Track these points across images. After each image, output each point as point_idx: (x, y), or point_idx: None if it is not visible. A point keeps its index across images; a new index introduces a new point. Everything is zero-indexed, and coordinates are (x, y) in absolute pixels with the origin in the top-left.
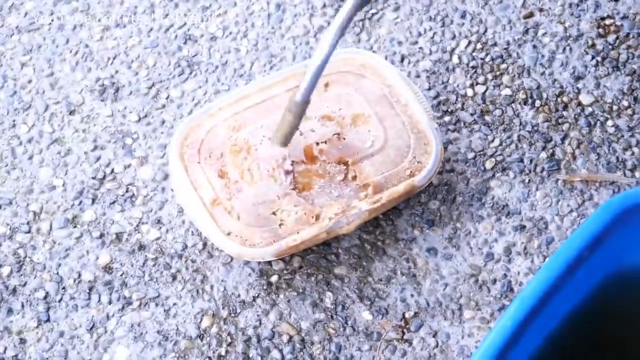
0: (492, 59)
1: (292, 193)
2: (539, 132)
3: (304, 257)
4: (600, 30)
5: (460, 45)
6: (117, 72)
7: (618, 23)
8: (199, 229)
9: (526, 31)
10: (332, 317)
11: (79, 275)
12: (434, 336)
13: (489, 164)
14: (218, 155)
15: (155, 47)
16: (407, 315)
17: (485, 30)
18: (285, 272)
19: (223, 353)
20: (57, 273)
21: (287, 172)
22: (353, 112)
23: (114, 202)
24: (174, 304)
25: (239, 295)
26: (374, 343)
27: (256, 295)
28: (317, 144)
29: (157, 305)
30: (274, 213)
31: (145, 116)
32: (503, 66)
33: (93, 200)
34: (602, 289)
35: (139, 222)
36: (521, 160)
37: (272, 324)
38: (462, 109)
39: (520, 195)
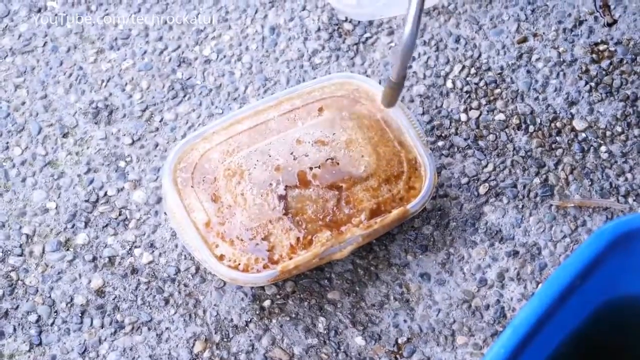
0: (486, 84)
1: (285, 218)
2: (532, 157)
3: (297, 281)
4: (594, 55)
5: (454, 70)
6: (110, 94)
7: (612, 49)
8: (191, 253)
9: (520, 56)
10: (324, 342)
11: (72, 299)
12: None
13: (482, 189)
14: (211, 179)
15: (149, 70)
16: (400, 341)
17: (479, 55)
18: (278, 296)
19: None
20: (50, 296)
21: (281, 197)
22: (347, 137)
23: (106, 226)
24: (167, 329)
25: (231, 320)
26: None
27: (249, 320)
28: (311, 168)
29: (149, 329)
30: (267, 238)
31: (139, 139)
32: (497, 91)
33: (86, 224)
34: (596, 317)
35: (132, 246)
36: (515, 186)
37: (264, 349)
38: (456, 133)
39: (514, 221)
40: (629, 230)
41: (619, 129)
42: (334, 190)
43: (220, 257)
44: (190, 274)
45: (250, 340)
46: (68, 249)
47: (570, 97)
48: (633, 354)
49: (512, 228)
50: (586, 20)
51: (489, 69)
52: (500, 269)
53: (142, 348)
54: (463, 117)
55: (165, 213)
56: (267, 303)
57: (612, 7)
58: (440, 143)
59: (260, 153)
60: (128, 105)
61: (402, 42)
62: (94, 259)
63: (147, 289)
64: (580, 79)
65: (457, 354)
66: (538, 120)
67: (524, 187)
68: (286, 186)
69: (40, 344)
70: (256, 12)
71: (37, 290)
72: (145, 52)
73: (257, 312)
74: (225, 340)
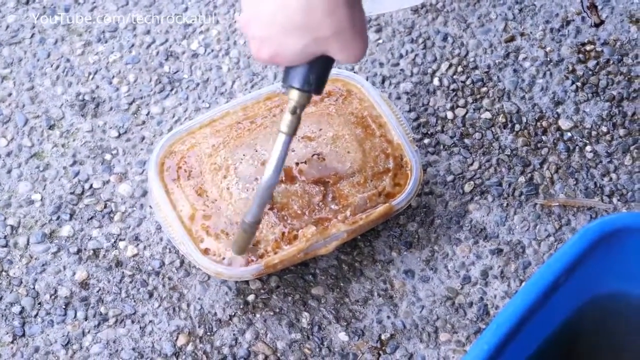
0: (473, 82)
1: (270, 213)
2: (518, 156)
3: (281, 276)
4: (581, 55)
5: (441, 68)
6: (97, 87)
7: (599, 49)
8: (176, 246)
9: (507, 55)
10: (308, 337)
11: (56, 291)
12: (409, 358)
13: (467, 187)
14: (197, 173)
15: (136, 63)
16: (383, 337)
17: (467, 54)
18: (262, 291)
19: None
20: (34, 288)
21: None
22: (333, 133)
23: (92, 218)
24: (150, 322)
25: (215, 314)
26: None
27: (233, 314)
28: (297, 164)
29: (133, 322)
30: None
31: (125, 132)
32: (483, 89)
33: (71, 216)
34: (579, 315)
35: (117, 239)
36: (500, 184)
37: (248, 343)
38: (442, 131)
39: (498, 219)
40: (612, 230)
41: (604, 129)
42: (320, 185)
43: (205, 251)
44: (175, 268)
45: (234, 335)
46: (53, 241)
47: (557, 97)
48: (616, 351)
49: (496, 226)
50: (573, 20)
51: (476, 67)
52: (484, 266)
53: (125, 341)
54: (449, 115)
55: (150, 206)
56: (251, 297)
57: (599, 7)
58: (426, 140)
59: (247, 148)
60: (115, 98)
61: (261, 183)
62: (79, 251)
63: (131, 282)
64: (567, 78)
65: (440, 351)
66: (524, 119)
67: (509, 185)
68: None
69: (23, 335)
70: None
71: (21, 282)
72: (132, 45)
73: (241, 307)
74: (208, 334)
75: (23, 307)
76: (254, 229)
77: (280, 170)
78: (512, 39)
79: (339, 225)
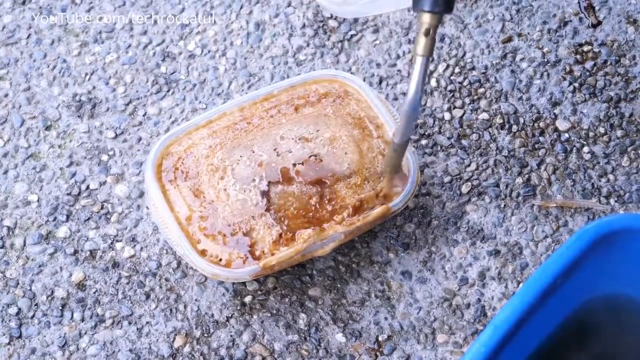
0: (470, 83)
1: (267, 214)
2: (515, 157)
3: (278, 278)
4: (578, 56)
5: (438, 69)
6: (94, 88)
7: (596, 50)
8: (173, 247)
9: (504, 56)
10: (305, 338)
11: (52, 292)
12: None
13: (465, 188)
14: (194, 174)
15: (133, 64)
16: (380, 339)
17: (464, 54)
18: (259, 292)
19: None
20: (30, 289)
21: (263, 193)
22: (330, 134)
23: (88, 219)
24: (147, 323)
25: (212, 315)
26: None
27: (230, 315)
28: (294, 165)
29: (130, 323)
30: (249, 234)
31: (122, 133)
32: (481, 90)
33: (67, 217)
34: (576, 316)
35: (114, 240)
36: (497, 185)
37: (245, 344)
38: (439, 132)
39: (496, 220)
40: (610, 231)
41: (602, 130)
42: (317, 187)
43: (202, 252)
44: (172, 269)
45: (231, 336)
46: (49, 242)
47: (554, 98)
48: (612, 352)
49: (493, 227)
50: (571, 21)
51: (473, 68)
52: (482, 268)
53: (122, 342)
54: (447, 115)
55: (147, 207)
56: (248, 299)
57: (596, 8)
58: (423, 141)
59: (244, 149)
60: (111, 99)
61: (406, 104)
62: (75, 252)
63: (128, 283)
64: (564, 79)
65: (438, 352)
66: (521, 120)
67: (507, 186)
68: (269, 182)
69: (20, 336)
70: (241, 7)
71: (18, 283)
72: (129, 46)
73: (238, 308)
74: (205, 335)
75: (20, 309)
76: (404, 148)
77: (422, 89)
78: (509, 39)
79: (336, 226)
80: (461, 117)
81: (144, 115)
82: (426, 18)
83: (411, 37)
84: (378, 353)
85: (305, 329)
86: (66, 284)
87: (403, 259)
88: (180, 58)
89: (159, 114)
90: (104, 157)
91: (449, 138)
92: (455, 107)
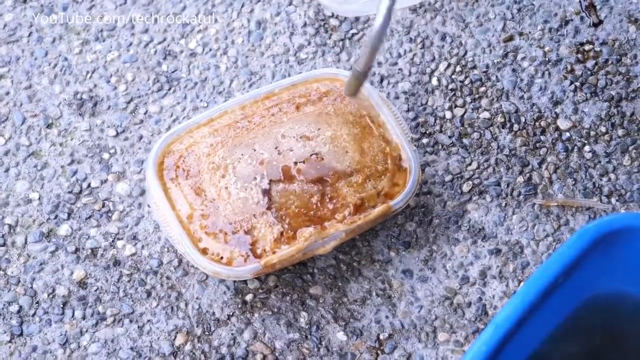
0: (471, 82)
1: (268, 212)
2: (516, 156)
3: (280, 276)
4: (580, 55)
5: (439, 68)
6: (95, 86)
7: (597, 49)
8: (174, 246)
9: (505, 55)
10: (306, 337)
11: (53, 290)
12: (408, 358)
13: (466, 187)
14: (195, 172)
15: (134, 62)
16: (381, 337)
17: (465, 53)
18: (260, 291)
19: None
20: (31, 287)
21: (265, 191)
22: (332, 133)
23: (89, 217)
24: (148, 321)
25: (213, 313)
26: None
27: (231, 313)
28: (295, 163)
29: (131, 321)
30: (250, 232)
31: (123, 131)
32: (482, 89)
33: (69, 215)
34: (577, 315)
35: (115, 238)
36: (498, 184)
37: (246, 343)
38: (441, 131)
39: (497, 219)
40: (611, 230)
41: (603, 129)
42: (318, 185)
43: (204, 251)
44: (173, 267)
45: (232, 334)
46: (50, 240)
47: (555, 97)
48: (614, 351)
49: (495, 226)
50: (572, 20)
51: (475, 67)
52: (483, 266)
53: (123, 340)
54: (448, 114)
55: (148, 205)
56: (249, 297)
57: (598, 7)
58: (424, 140)
59: (245, 147)
60: (113, 97)
61: (371, 32)
62: (77, 250)
63: (129, 281)
64: (565, 78)
65: (439, 351)
66: (522, 119)
67: (508, 185)
68: (270, 180)
69: (21, 334)
70: (242, 6)
71: (19, 281)
72: (130, 44)
73: (239, 306)
74: (206, 333)
75: (21, 306)
76: (365, 76)
77: (390, 18)
78: (510, 38)
79: (337, 225)
80: (462, 115)
81: (145, 114)
82: None
83: (412, 36)
84: (379, 351)
85: (307, 327)
86: (67, 282)
87: (404, 257)
88: (181, 56)
89: (160, 112)
90: (105, 155)
91: (450, 137)
92: (456, 106)
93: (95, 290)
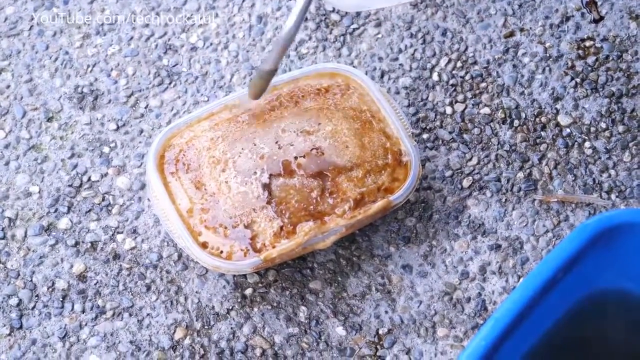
0: (472, 78)
1: (268, 207)
2: (516, 151)
3: (279, 270)
4: (580, 51)
5: (440, 63)
6: (96, 79)
7: (598, 45)
8: (174, 240)
9: (506, 50)
10: (305, 331)
11: (53, 283)
12: (407, 353)
13: (466, 183)
14: (196, 166)
15: (135, 56)
16: (380, 332)
17: (466, 49)
18: (260, 285)
19: None
20: (31, 280)
21: (265, 186)
22: (332, 127)
23: (89, 211)
24: (148, 315)
25: (213, 308)
26: (347, 359)
27: (230, 307)
28: (296, 158)
29: (130, 315)
30: (250, 226)
31: (124, 125)
32: (482, 85)
33: (69, 208)
34: (577, 311)
35: (115, 232)
36: (498, 180)
37: (245, 337)
38: (441, 126)
39: (497, 215)
40: (610, 226)
41: (603, 125)
42: (318, 180)
43: (203, 245)
44: (173, 261)
45: (232, 328)
46: (50, 234)
47: (556, 93)
48: (613, 347)
49: (494, 222)
50: (573, 16)
51: (475, 62)
52: (482, 262)
53: (123, 333)
54: (448, 110)
55: (148, 199)
56: (249, 291)
57: (599, 3)
58: (425, 135)
59: (245, 141)
60: (113, 91)
61: (282, 32)
62: (76, 243)
63: (129, 275)
64: (566, 74)
65: (438, 346)
66: (523, 115)
67: (508, 181)
68: (270, 175)
69: (20, 327)
70: (243, 0)
71: (19, 274)
72: (131, 38)
73: (239, 300)
74: (206, 327)
75: (20, 300)
76: (270, 77)
77: (302, 20)
78: (511, 34)
79: (337, 219)
80: (463, 111)
81: (145, 108)
82: None
83: (413, 31)
84: (378, 346)
85: (306, 322)
86: (67, 275)
87: (404, 252)
88: (182, 50)
89: (161, 106)
90: (106, 149)
91: (450, 132)
92: (457, 102)
93: (95, 284)
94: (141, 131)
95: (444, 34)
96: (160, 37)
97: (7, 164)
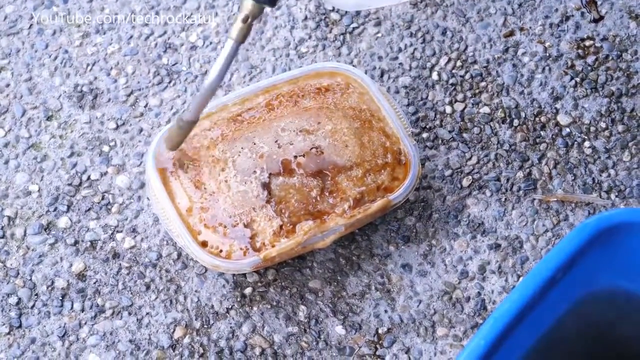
0: (472, 77)
1: (268, 206)
2: (516, 151)
3: (279, 269)
4: (580, 51)
5: (440, 62)
6: (95, 78)
7: (598, 44)
8: (174, 239)
9: (506, 50)
10: (305, 330)
11: (52, 282)
12: (406, 352)
13: (465, 182)
14: (195, 165)
15: (135, 55)
16: (380, 331)
17: (466, 48)
18: (259, 284)
19: None
20: (30, 279)
21: (264, 185)
22: (332, 127)
23: (89, 210)
24: (147, 314)
25: (212, 307)
26: (346, 358)
27: (230, 307)
28: (295, 157)
29: (130, 314)
30: (249, 225)
31: (123, 124)
32: (482, 84)
33: (68, 207)
34: (576, 310)
35: (114, 230)
36: (498, 179)
37: (245, 336)
38: (441, 126)
39: (496, 214)
40: (610, 225)
41: (603, 124)
42: (318, 179)
43: (203, 244)
44: (172, 260)
45: (231, 327)
46: (50, 232)
47: (555, 92)
48: (613, 346)
49: (494, 221)
50: (573, 15)
51: (475, 62)
52: (482, 261)
53: (122, 332)
54: (448, 109)
55: (148, 198)
56: (248, 290)
57: (598, 3)
58: (424, 135)
59: (245, 140)
60: (113, 90)
61: (205, 83)
62: (76, 242)
63: (128, 274)
64: (566, 74)
65: (437, 345)
66: (523, 114)
67: (507, 180)
68: (270, 174)
69: (20, 326)
70: None
71: (18, 273)
72: (131, 37)
73: (238, 299)
74: (205, 326)
75: (20, 299)
76: (190, 127)
77: (224, 74)
78: (511, 33)
79: (336, 218)
80: (462, 110)
81: (145, 106)
82: (248, 5)
83: (413, 30)
84: (378, 345)
85: (305, 321)
86: (66, 274)
87: (403, 251)
88: (182, 49)
89: (161, 105)
90: (105, 148)
91: (450, 131)
92: (456, 101)
93: (94, 283)
94: (141, 130)
95: (443, 33)
96: (160, 36)
97: (6, 162)
